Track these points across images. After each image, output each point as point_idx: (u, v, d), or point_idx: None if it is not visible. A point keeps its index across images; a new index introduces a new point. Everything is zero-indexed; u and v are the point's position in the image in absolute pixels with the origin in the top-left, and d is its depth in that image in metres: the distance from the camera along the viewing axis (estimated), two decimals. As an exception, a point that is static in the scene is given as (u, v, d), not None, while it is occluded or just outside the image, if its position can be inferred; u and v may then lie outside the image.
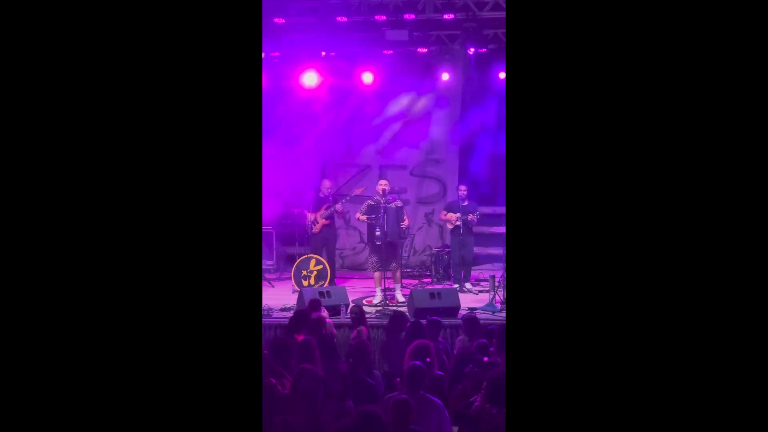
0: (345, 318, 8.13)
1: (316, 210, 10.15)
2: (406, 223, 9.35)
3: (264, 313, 8.54)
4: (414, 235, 11.64)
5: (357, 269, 11.93)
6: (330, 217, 10.16)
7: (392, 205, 9.15)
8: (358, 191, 10.24)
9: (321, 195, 10.25)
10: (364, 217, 9.24)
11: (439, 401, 4.81)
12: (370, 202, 9.32)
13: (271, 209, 10.78)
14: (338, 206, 10.13)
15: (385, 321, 7.87)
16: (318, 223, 10.05)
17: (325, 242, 10.14)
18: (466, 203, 9.99)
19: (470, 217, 9.86)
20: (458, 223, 9.93)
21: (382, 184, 9.39)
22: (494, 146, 11.06)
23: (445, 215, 10.18)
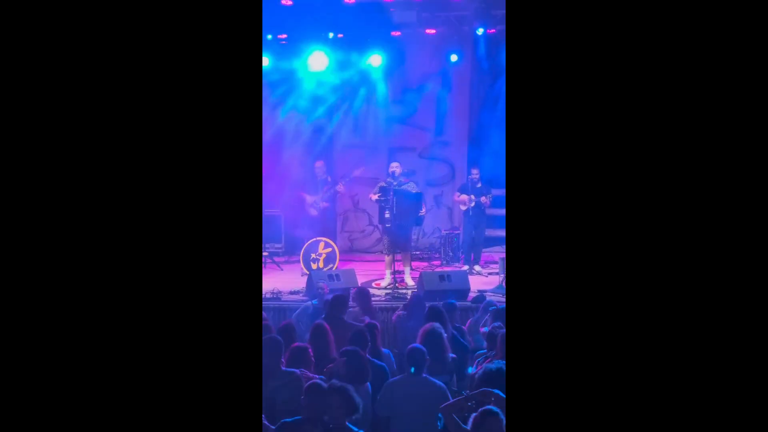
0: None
1: (315, 192, 10.09)
2: (423, 211, 9.28)
3: (273, 296, 8.55)
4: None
5: (366, 252, 11.92)
6: (331, 200, 10.11)
7: (403, 188, 9.08)
8: (357, 172, 10.19)
9: (317, 178, 10.20)
10: (375, 197, 9.15)
11: (442, 383, 4.82)
12: (382, 183, 9.23)
13: (279, 192, 10.78)
14: (339, 186, 10.07)
15: (395, 304, 7.90)
16: (318, 205, 10.01)
17: (325, 225, 10.11)
18: (480, 185, 9.94)
19: (482, 199, 9.83)
20: (471, 204, 9.89)
21: (393, 166, 9.25)
22: (504, 128, 10.98)
23: (459, 196, 10.14)
